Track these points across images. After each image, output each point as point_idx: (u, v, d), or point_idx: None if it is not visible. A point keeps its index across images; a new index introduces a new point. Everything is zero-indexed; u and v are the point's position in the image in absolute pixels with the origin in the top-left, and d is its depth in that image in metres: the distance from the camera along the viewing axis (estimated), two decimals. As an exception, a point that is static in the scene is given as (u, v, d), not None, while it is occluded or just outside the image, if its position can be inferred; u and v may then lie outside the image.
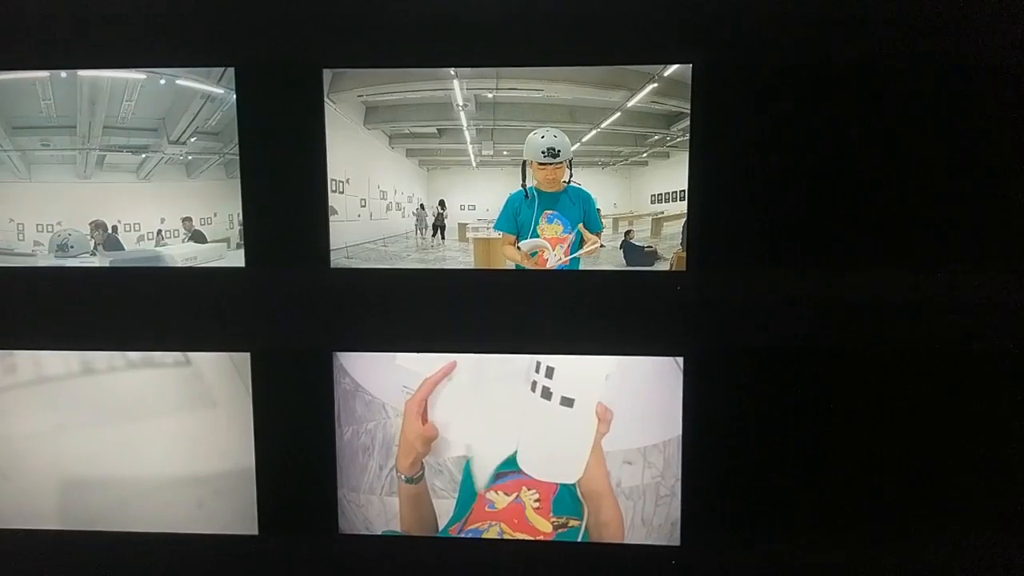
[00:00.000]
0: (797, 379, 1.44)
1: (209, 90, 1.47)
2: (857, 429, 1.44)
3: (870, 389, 1.43)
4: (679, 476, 1.47)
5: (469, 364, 1.49)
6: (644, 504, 1.47)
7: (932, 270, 1.38)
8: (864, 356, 1.41)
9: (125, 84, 1.48)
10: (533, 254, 1.47)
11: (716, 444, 1.46)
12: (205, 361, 1.56)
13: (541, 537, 1.50)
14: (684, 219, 1.41)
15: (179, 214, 1.52)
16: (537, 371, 1.45)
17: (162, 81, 1.48)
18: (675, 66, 1.38)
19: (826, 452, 1.45)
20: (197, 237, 1.52)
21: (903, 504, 1.45)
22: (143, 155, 1.51)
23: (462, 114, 1.45)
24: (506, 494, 1.51)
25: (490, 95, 1.44)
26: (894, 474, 1.44)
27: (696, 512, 1.48)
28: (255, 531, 1.59)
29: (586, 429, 1.45)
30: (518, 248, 1.48)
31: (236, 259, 1.51)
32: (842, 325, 1.41)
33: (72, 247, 1.54)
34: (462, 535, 1.53)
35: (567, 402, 1.44)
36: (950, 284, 1.38)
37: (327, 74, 1.45)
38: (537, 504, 1.50)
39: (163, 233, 1.53)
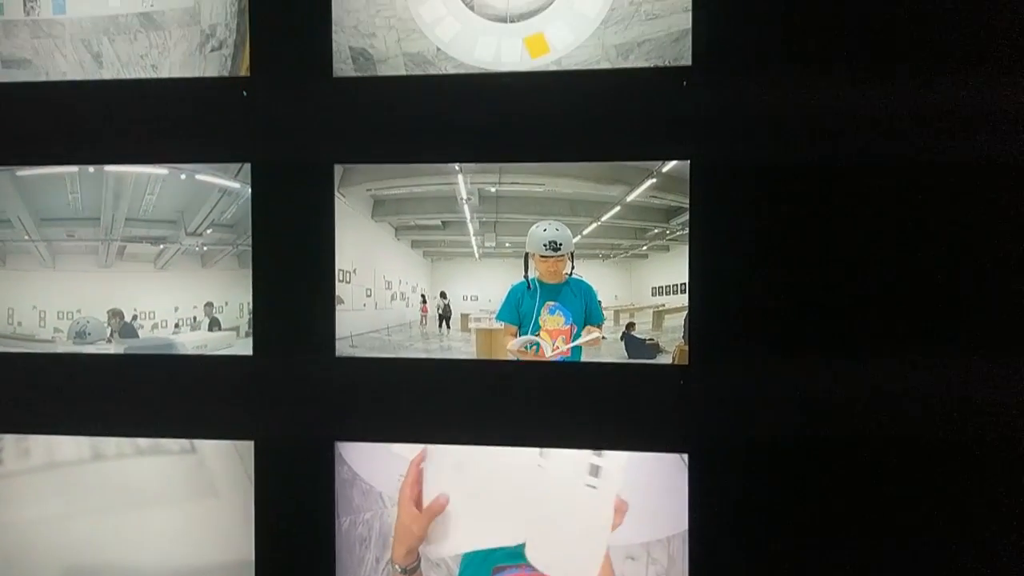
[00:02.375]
0: (806, 473, 1.39)
1: (226, 184, 1.53)
2: (866, 522, 1.37)
3: (878, 481, 1.36)
4: (686, 573, 1.41)
5: (470, 454, 1.47)
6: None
7: (940, 361, 1.34)
8: (871, 447, 1.36)
9: (148, 179, 1.55)
10: (533, 347, 1.47)
11: (724, 542, 1.41)
12: (210, 449, 1.57)
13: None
14: (685, 312, 1.40)
15: (193, 303, 1.56)
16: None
17: (183, 176, 1.55)
18: (673, 162, 1.40)
19: (835, 546, 1.38)
20: (214, 323, 1.56)
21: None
22: (161, 246, 1.57)
23: (466, 207, 1.49)
24: (506, 588, 1.46)
25: (493, 189, 1.48)
26: (905, 567, 1.37)
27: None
28: (252, 626, 1.56)
29: (603, 522, 1.40)
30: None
31: (245, 347, 1.54)
32: (848, 417, 1.36)
33: (90, 334, 1.59)
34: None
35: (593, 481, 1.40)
36: (962, 376, 1.33)
37: (338, 169, 1.50)
38: (538, 604, 1.44)
39: (180, 322, 1.57)
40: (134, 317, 1.58)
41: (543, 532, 1.42)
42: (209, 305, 1.57)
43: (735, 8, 1.37)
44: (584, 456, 1.40)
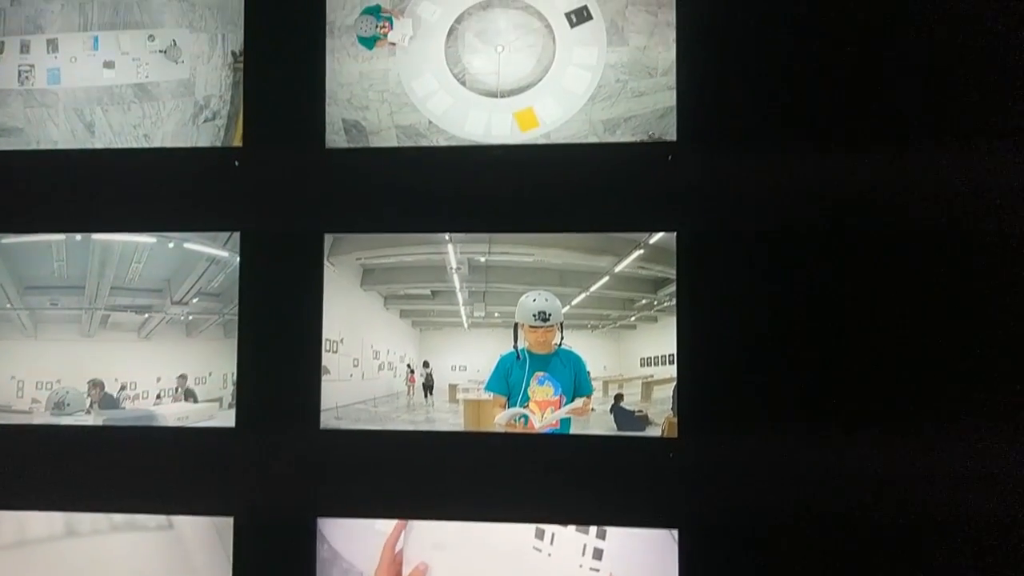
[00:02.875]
0: (798, 549, 1.36)
1: (215, 253, 1.53)
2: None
3: (870, 557, 1.34)
4: None
5: (457, 532, 1.44)
6: None
7: (930, 434, 1.33)
8: (862, 523, 1.34)
9: (136, 247, 1.55)
10: (521, 419, 1.45)
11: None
12: (187, 525, 1.52)
13: None
14: (674, 384, 1.39)
15: (177, 373, 1.54)
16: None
17: (170, 244, 1.55)
18: (660, 234, 1.42)
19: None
20: (189, 394, 1.53)
21: None
22: (146, 315, 1.55)
23: (455, 277, 1.49)
24: None
25: (483, 259, 1.48)
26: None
27: None
28: None
29: None
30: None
31: (227, 419, 1.51)
32: (839, 491, 1.35)
33: (69, 405, 1.55)
34: None
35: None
36: (953, 450, 1.33)
37: (328, 238, 1.50)
38: None
39: (161, 393, 1.54)
40: (121, 388, 1.55)
41: None
42: (183, 377, 1.54)
43: (717, 87, 1.42)
44: (584, 538, 1.37)
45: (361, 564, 1.47)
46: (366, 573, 1.46)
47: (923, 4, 1.38)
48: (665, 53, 1.43)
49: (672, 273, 1.41)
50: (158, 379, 1.55)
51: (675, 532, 1.39)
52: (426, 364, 1.49)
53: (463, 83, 1.49)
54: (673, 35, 1.43)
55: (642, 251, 1.43)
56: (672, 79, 1.42)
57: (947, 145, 1.37)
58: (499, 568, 1.41)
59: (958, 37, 1.37)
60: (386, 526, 1.46)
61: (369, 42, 1.51)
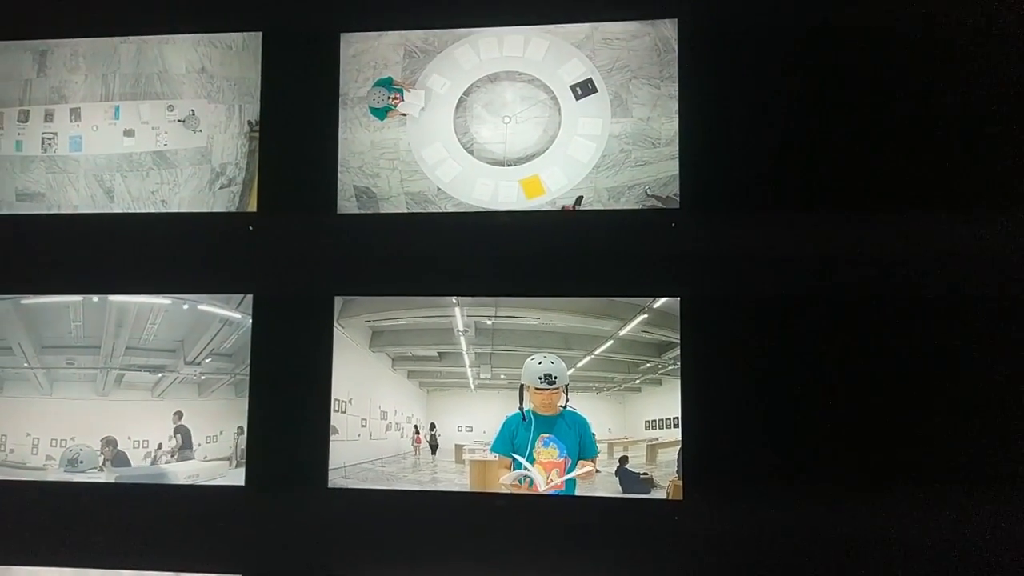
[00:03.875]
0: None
1: (228, 315, 1.57)
2: None
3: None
4: None
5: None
6: None
7: (932, 499, 1.35)
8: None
9: (151, 308, 1.59)
10: (526, 480, 1.47)
11: None
12: (196, 584, 1.53)
13: None
14: (679, 446, 1.42)
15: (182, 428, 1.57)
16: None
17: (185, 306, 1.59)
18: (664, 298, 1.45)
19: None
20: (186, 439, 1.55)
21: None
22: (160, 374, 1.58)
23: (462, 339, 1.52)
24: None
25: (489, 322, 1.52)
26: None
27: None
28: None
29: None
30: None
31: (238, 476, 1.53)
32: (845, 556, 1.36)
33: (82, 462, 1.58)
34: None
35: None
36: (958, 515, 1.34)
37: (338, 301, 1.54)
38: None
39: (173, 451, 1.57)
40: (149, 446, 1.57)
41: None
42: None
43: (719, 156, 1.46)
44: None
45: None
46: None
47: (913, 76, 1.43)
48: (668, 124, 1.48)
49: (676, 337, 1.44)
50: (170, 437, 1.57)
51: (681, 597, 1.39)
52: (432, 426, 1.52)
53: (471, 152, 1.54)
54: (675, 107, 1.48)
55: (646, 315, 1.46)
56: (675, 149, 1.47)
57: (941, 212, 1.40)
58: None
59: (948, 108, 1.42)
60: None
61: (381, 113, 1.56)
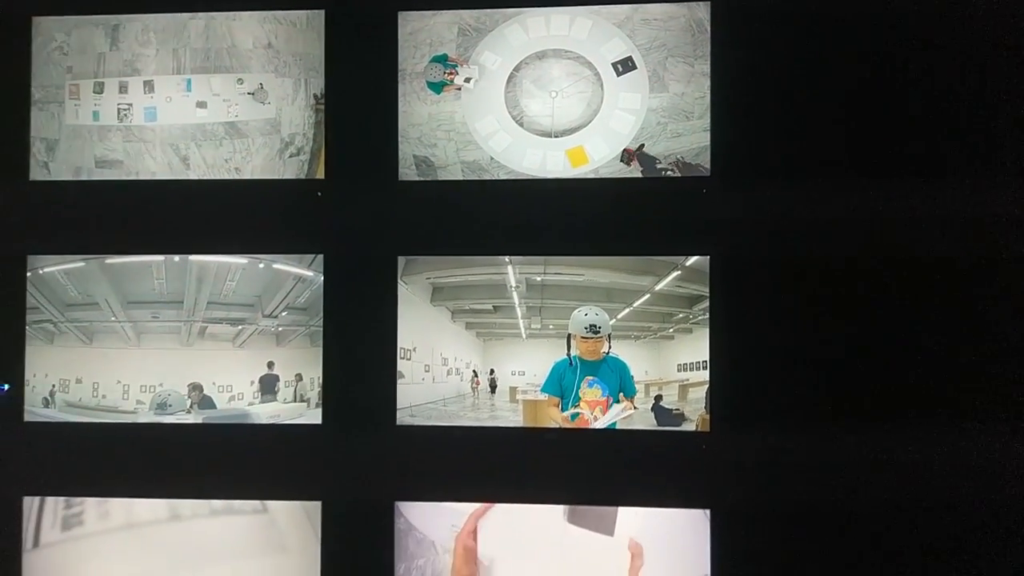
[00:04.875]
0: (814, 529, 1.61)
1: (301, 273, 1.73)
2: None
3: (879, 541, 1.59)
4: None
5: (514, 511, 1.67)
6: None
7: (936, 428, 1.58)
8: (872, 509, 1.59)
9: (229, 267, 1.75)
10: (574, 416, 1.68)
11: (743, 590, 1.62)
12: (280, 509, 1.74)
13: None
14: (707, 386, 1.63)
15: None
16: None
17: (261, 265, 1.75)
18: (695, 257, 1.65)
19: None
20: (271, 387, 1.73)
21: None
22: (240, 326, 1.76)
23: (515, 294, 1.71)
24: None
25: (539, 278, 1.70)
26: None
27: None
28: (317, 672, 1.72)
29: (621, 563, 1.61)
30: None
31: (315, 417, 1.73)
32: (849, 480, 1.59)
33: (171, 406, 1.76)
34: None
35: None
36: (956, 441, 1.57)
37: (401, 260, 1.71)
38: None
39: (256, 395, 1.75)
40: (232, 391, 1.74)
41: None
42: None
43: (747, 128, 1.63)
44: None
45: (433, 534, 1.70)
46: (437, 542, 1.69)
47: (940, 48, 1.59)
48: (700, 99, 1.64)
49: (705, 291, 1.64)
50: (252, 383, 1.75)
51: (707, 512, 1.63)
52: (492, 371, 1.71)
53: (521, 124, 1.70)
54: (707, 84, 1.64)
55: (679, 272, 1.65)
56: (706, 122, 1.64)
57: (957, 177, 1.59)
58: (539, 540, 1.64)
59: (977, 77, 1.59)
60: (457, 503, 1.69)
61: (437, 87, 1.71)
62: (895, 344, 1.60)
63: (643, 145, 1.63)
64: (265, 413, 1.75)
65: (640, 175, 1.67)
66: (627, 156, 1.60)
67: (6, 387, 1.80)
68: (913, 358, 1.59)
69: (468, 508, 1.68)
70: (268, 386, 1.73)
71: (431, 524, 1.71)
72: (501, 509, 1.67)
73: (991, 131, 1.59)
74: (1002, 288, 1.58)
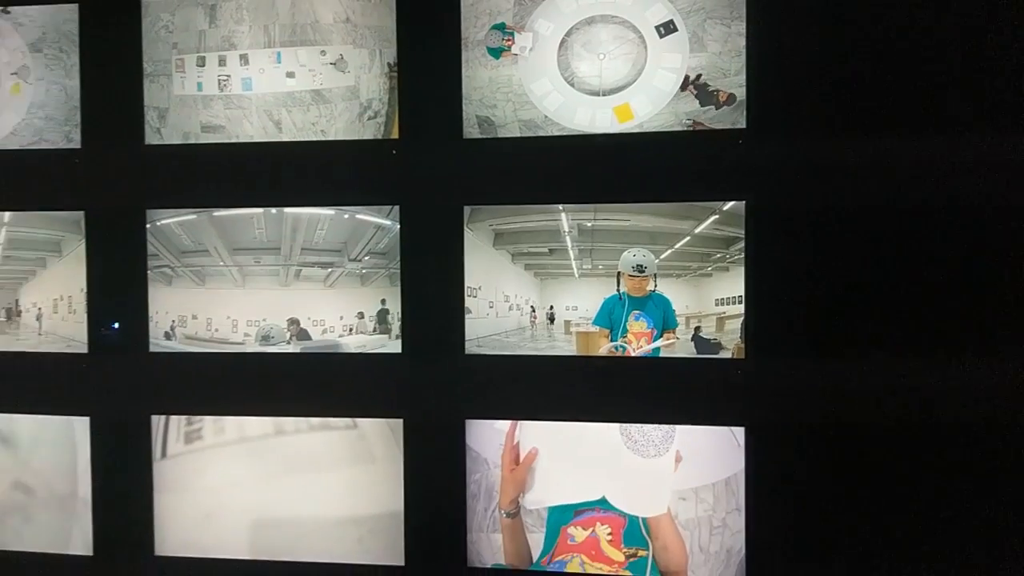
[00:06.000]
0: (836, 445, 1.81)
1: (380, 222, 1.98)
2: (898, 496, 1.79)
3: (895, 459, 1.79)
4: (730, 509, 1.83)
5: (568, 428, 1.91)
6: (700, 533, 1.84)
7: (955, 359, 1.75)
8: (889, 431, 1.78)
9: (319, 218, 2.01)
10: (621, 348, 1.90)
11: (767, 488, 1.83)
12: (368, 426, 2.03)
13: (616, 567, 1.87)
14: (742, 318, 1.82)
15: (354, 312, 2.02)
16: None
17: (346, 215, 2.00)
18: (732, 202, 1.82)
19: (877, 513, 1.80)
20: (382, 320, 1.99)
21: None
22: (329, 269, 2.02)
23: (568, 238, 1.92)
24: (583, 529, 1.90)
25: (589, 224, 1.90)
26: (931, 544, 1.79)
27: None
28: (402, 563, 2.02)
29: (667, 471, 1.84)
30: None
31: (395, 347, 1.99)
32: (870, 404, 1.78)
33: (273, 337, 2.05)
34: (551, 567, 1.91)
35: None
36: (971, 371, 1.74)
37: (467, 209, 1.94)
38: (610, 537, 1.88)
39: (346, 328, 2.02)
40: (324, 324, 2.02)
41: (621, 483, 1.84)
42: (360, 314, 2.01)
43: (780, 84, 1.78)
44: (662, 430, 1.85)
45: (485, 452, 1.96)
46: (490, 459, 1.95)
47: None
48: (736, 58, 1.79)
49: (741, 233, 1.82)
50: (341, 317, 2.02)
51: (741, 430, 1.84)
52: (551, 307, 1.94)
53: (572, 84, 1.88)
54: (743, 43, 1.79)
55: (717, 216, 1.83)
56: (742, 79, 1.79)
57: (969, 130, 1.72)
58: (585, 450, 1.89)
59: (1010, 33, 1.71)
60: (503, 425, 1.94)
61: (496, 52, 1.90)
62: (910, 281, 1.75)
63: (700, 75, 1.79)
64: (353, 343, 2.02)
65: (681, 129, 1.83)
66: (686, 83, 1.76)
67: (116, 325, 2.11)
68: (928, 294, 1.75)
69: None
70: (382, 318, 1.99)
71: (484, 444, 1.97)
72: (556, 440, 1.91)
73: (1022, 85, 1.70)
74: (1014, 233, 1.71)
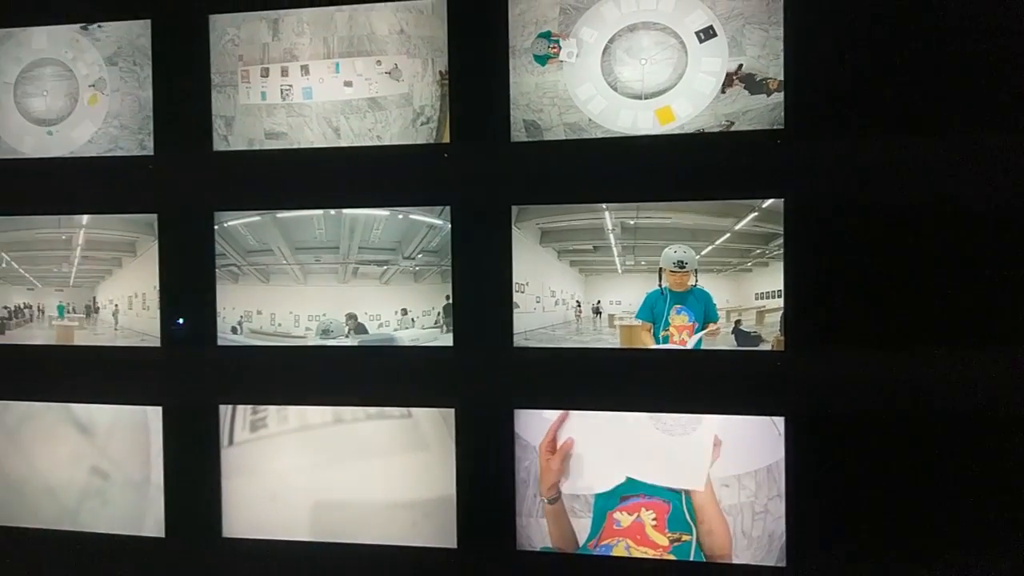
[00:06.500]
0: (871, 434, 1.87)
1: (432, 222, 2.09)
2: (921, 482, 1.85)
3: (931, 448, 1.84)
4: (771, 495, 1.90)
5: (609, 417, 2.00)
6: (743, 519, 1.91)
7: (987, 352, 1.80)
8: (920, 421, 1.83)
9: (375, 218, 2.12)
10: (664, 339, 1.98)
11: (807, 474, 1.90)
12: (422, 415, 2.14)
13: (660, 551, 1.95)
14: (781, 312, 1.89)
15: (408, 308, 2.13)
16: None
17: (400, 216, 2.11)
18: (770, 200, 1.89)
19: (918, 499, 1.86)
20: (448, 312, 2.10)
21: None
22: (384, 267, 2.14)
23: (611, 236, 2.01)
24: (629, 514, 1.98)
25: (632, 222, 1.99)
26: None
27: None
28: (454, 545, 2.12)
29: (704, 447, 1.92)
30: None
31: (447, 340, 2.10)
32: (901, 395, 1.83)
33: (332, 331, 2.18)
34: (597, 551, 2.00)
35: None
36: (1003, 365, 1.79)
37: (515, 209, 2.04)
38: (655, 522, 1.96)
39: (399, 323, 2.13)
40: (381, 319, 2.14)
41: (654, 462, 1.93)
42: (403, 311, 2.12)
43: (816, 86, 1.85)
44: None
45: (534, 441, 2.05)
46: (533, 443, 2.04)
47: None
48: (774, 61, 1.86)
49: (780, 229, 1.89)
50: (394, 312, 2.14)
51: (780, 420, 1.91)
52: (598, 301, 2.02)
53: (615, 89, 1.97)
54: (780, 47, 1.86)
55: (756, 213, 1.90)
56: (772, 98, 1.86)
57: (1003, 129, 1.77)
58: (626, 441, 1.97)
59: None
60: (551, 415, 2.04)
61: (542, 60, 2.00)
62: (945, 276, 1.81)
63: (742, 65, 1.87)
64: (407, 337, 2.13)
65: (720, 130, 1.91)
66: (730, 79, 1.83)
67: (181, 321, 2.25)
68: (962, 288, 1.80)
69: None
70: (448, 312, 2.10)
71: (533, 433, 2.06)
72: (576, 416, 2.00)
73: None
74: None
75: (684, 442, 1.94)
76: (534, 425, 2.05)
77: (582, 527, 2.01)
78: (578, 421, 2.02)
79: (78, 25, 2.26)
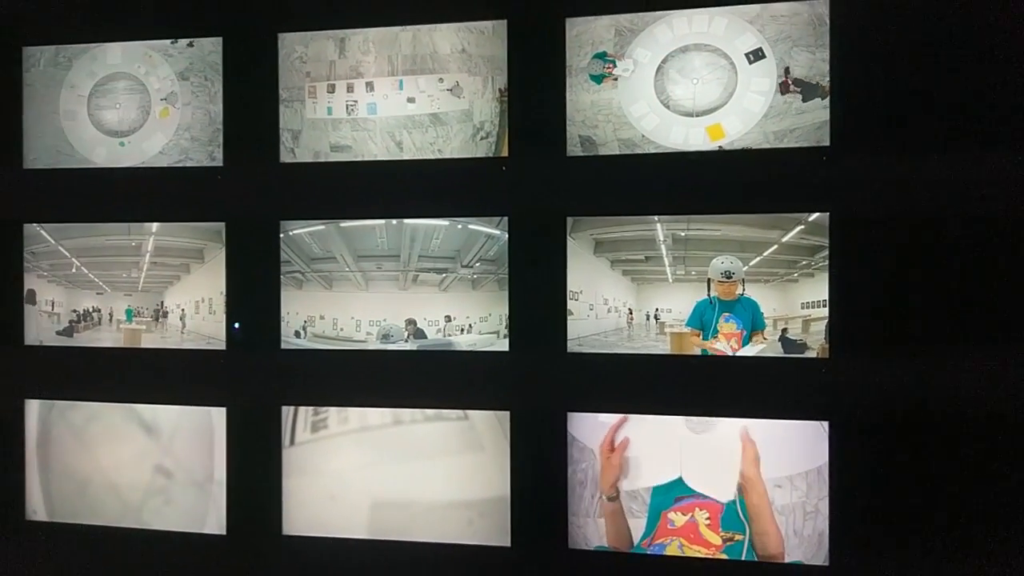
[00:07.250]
0: (916, 438, 1.95)
1: (490, 231, 2.19)
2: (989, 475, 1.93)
3: (969, 448, 1.92)
4: (822, 496, 1.98)
5: (659, 420, 2.09)
6: (794, 518, 1.99)
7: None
8: (962, 424, 1.92)
9: (435, 228, 2.23)
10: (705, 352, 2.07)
11: (851, 478, 1.98)
12: (478, 417, 2.23)
13: (713, 550, 2.04)
14: (826, 320, 1.98)
15: (466, 314, 2.23)
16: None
17: (459, 226, 2.22)
18: (816, 214, 1.99)
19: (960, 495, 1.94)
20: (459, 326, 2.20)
21: None
22: (443, 274, 2.24)
23: (662, 247, 2.10)
24: (683, 514, 2.07)
25: (683, 233, 2.08)
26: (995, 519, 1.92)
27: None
28: (508, 544, 2.21)
29: (734, 451, 2.00)
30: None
31: (503, 345, 2.19)
32: (945, 399, 1.92)
33: (392, 336, 2.28)
34: (651, 550, 2.08)
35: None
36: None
37: (570, 220, 2.14)
38: (708, 522, 2.05)
39: (458, 328, 2.24)
40: (439, 324, 2.25)
41: (697, 465, 2.02)
42: (448, 318, 2.23)
43: (860, 106, 1.94)
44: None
45: (591, 444, 2.14)
46: (596, 450, 2.13)
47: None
48: (821, 81, 1.96)
49: (825, 242, 1.98)
50: (454, 319, 2.24)
51: (826, 424, 1.99)
52: (657, 310, 2.11)
53: (667, 107, 2.07)
54: (827, 68, 1.96)
55: (803, 226, 2.00)
56: (826, 101, 1.96)
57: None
58: (676, 445, 2.05)
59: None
60: (607, 418, 2.13)
61: (598, 79, 2.10)
62: (986, 286, 1.89)
63: (788, 68, 1.96)
64: (464, 341, 2.23)
65: (769, 147, 2.01)
66: (784, 87, 1.92)
67: (236, 326, 2.36)
68: (1002, 297, 1.88)
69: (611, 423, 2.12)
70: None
71: (590, 435, 2.15)
72: (635, 419, 2.09)
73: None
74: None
75: (709, 444, 2.01)
76: (592, 428, 2.14)
77: (637, 526, 2.10)
78: (632, 422, 2.10)
79: (168, 40, 2.37)
